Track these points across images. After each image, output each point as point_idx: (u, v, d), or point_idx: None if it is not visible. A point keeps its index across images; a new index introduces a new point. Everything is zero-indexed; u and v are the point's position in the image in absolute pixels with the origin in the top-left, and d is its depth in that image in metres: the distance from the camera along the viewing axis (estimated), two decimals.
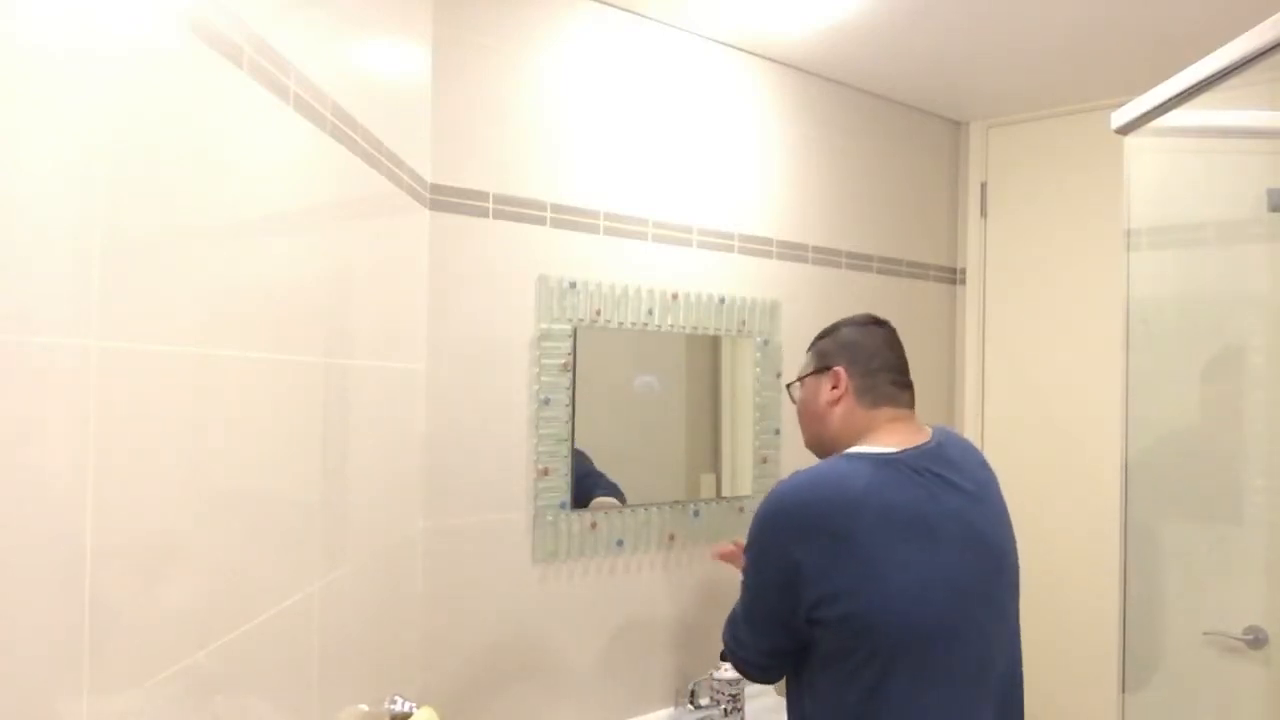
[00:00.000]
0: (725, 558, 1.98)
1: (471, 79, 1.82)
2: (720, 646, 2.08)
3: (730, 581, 2.22)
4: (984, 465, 1.54)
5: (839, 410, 1.51)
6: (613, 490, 2.05)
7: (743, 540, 1.68)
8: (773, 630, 1.41)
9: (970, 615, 1.36)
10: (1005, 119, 2.79)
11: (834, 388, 1.52)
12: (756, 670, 1.48)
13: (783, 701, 2.24)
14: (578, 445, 1.98)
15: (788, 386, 1.69)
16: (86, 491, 0.73)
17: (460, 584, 1.81)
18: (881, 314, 2.01)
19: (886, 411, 1.50)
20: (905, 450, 1.42)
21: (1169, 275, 1.97)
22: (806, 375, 1.61)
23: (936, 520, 1.36)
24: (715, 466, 2.26)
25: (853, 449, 1.44)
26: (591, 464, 2.02)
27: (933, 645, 1.33)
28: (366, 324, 1.45)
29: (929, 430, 1.50)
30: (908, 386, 1.54)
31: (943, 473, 1.41)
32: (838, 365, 1.53)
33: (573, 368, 1.94)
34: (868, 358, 1.53)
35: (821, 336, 1.63)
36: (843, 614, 1.31)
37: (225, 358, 0.97)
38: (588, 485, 2.01)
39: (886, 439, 1.44)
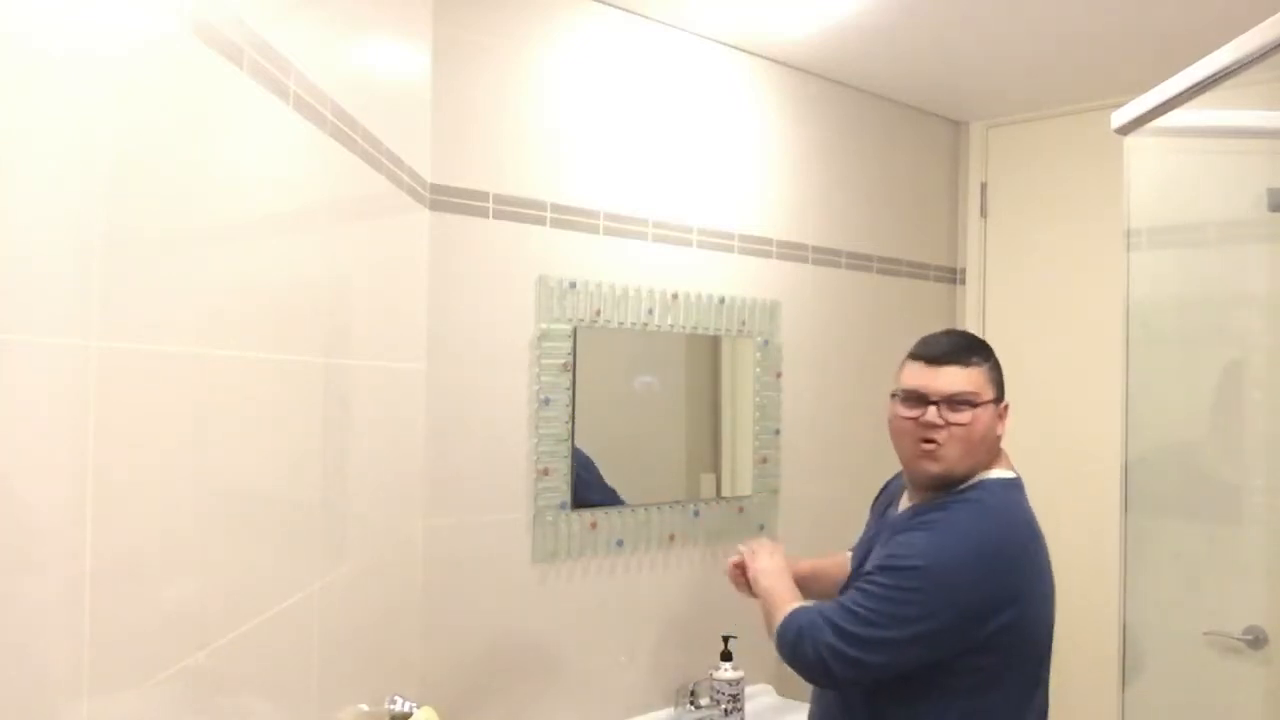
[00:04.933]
0: (739, 579, 1.72)
1: (471, 79, 1.82)
2: (717, 644, 2.08)
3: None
4: None
5: (997, 446, 1.54)
6: (607, 499, 2.04)
7: (762, 549, 1.70)
8: (915, 652, 1.39)
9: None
10: (1005, 119, 2.79)
11: (1002, 421, 1.53)
12: (858, 671, 1.40)
13: (783, 702, 2.24)
14: (579, 447, 1.95)
15: (972, 405, 1.46)
16: (86, 490, 0.73)
17: (460, 584, 1.81)
18: (881, 314, 2.01)
19: None
20: (1019, 476, 1.54)
21: (1169, 275, 1.97)
22: (989, 402, 1.48)
23: (1041, 537, 1.51)
24: (715, 466, 2.26)
25: (992, 475, 1.51)
26: (592, 471, 2.00)
27: (1048, 654, 1.51)
28: (366, 324, 1.45)
29: None
30: None
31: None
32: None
33: (573, 368, 1.94)
34: None
35: (987, 358, 1.51)
36: (1015, 640, 1.42)
37: (225, 358, 0.97)
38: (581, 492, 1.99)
39: (1004, 463, 1.54)
